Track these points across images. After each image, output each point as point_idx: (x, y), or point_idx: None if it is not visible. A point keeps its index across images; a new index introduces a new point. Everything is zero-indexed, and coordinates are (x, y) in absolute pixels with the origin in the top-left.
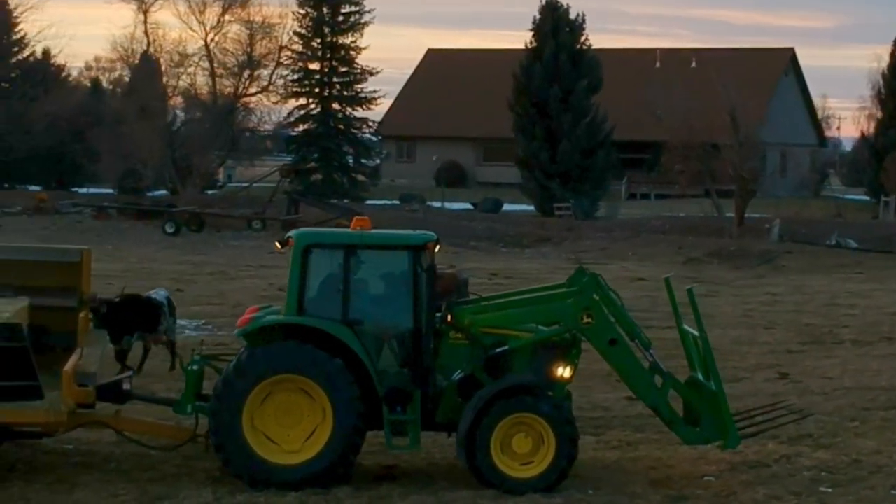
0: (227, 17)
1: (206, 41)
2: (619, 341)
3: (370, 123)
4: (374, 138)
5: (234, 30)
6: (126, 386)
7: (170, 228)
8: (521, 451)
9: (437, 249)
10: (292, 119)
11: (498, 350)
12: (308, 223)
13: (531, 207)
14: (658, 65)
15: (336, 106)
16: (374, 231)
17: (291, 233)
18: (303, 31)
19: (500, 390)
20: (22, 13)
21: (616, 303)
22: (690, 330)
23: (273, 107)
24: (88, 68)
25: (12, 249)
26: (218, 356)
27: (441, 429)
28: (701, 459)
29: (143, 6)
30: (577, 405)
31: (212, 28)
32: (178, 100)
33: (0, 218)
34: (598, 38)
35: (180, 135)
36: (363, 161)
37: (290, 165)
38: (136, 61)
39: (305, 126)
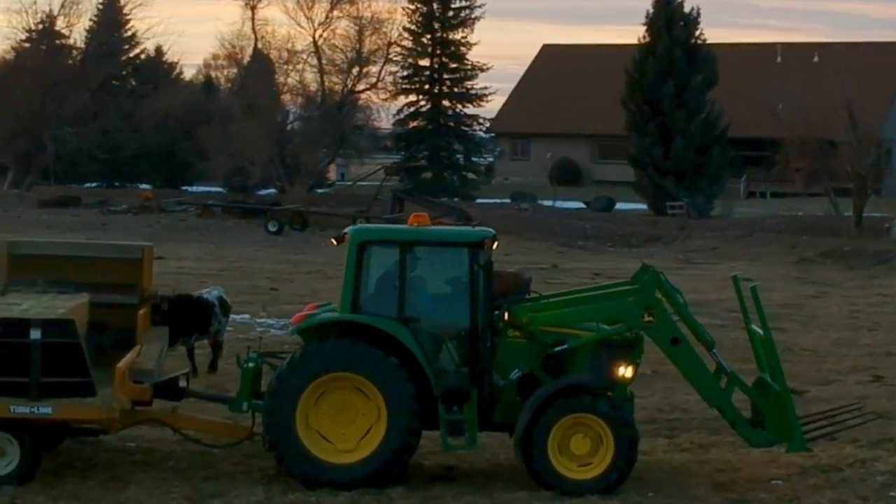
0: (335, 13)
1: (314, 38)
2: (681, 340)
3: (481, 121)
4: (486, 135)
5: (343, 26)
6: (182, 383)
7: (273, 227)
8: (580, 452)
9: (495, 246)
10: (402, 116)
11: (557, 349)
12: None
13: (645, 206)
14: (779, 59)
15: (446, 103)
16: (430, 227)
17: (347, 229)
18: (412, 27)
19: (558, 390)
20: (131, 10)
21: (679, 301)
22: (758, 330)
23: (382, 104)
24: (207, 66)
25: (75, 245)
26: (275, 353)
27: (498, 428)
28: (772, 463)
29: (250, 3)
30: (656, 407)
31: (320, 24)
32: (286, 97)
33: (105, 216)
34: (727, 33)
35: (288, 133)
36: (474, 159)
37: (398, 163)
38: (245, 59)
39: (415, 123)
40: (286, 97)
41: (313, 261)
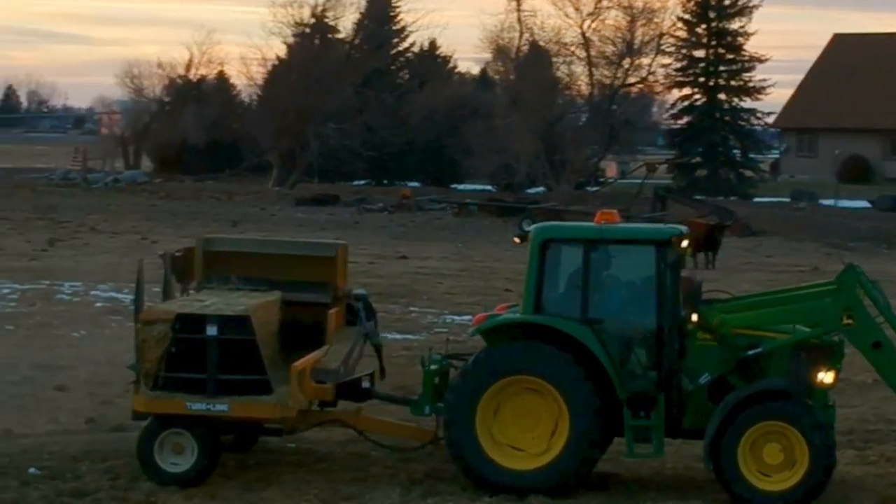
0: (604, 2)
1: (581, 29)
2: (883, 344)
3: (759, 115)
4: (766, 130)
5: (613, 16)
6: (366, 384)
7: (527, 227)
8: (773, 461)
9: (684, 245)
10: (675, 111)
11: (750, 352)
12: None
13: None
14: None
15: (722, 96)
16: (616, 225)
17: (530, 227)
18: (687, 17)
19: (751, 395)
20: (398, 0)
21: (880, 302)
22: None
23: (654, 98)
24: (495, 58)
25: (269, 243)
26: (459, 355)
27: (687, 435)
28: None
29: None
30: (861, 417)
31: (588, 15)
32: (555, 91)
33: (360, 215)
34: None
35: (557, 128)
36: (752, 156)
37: (671, 160)
38: (514, 52)
39: (689, 118)
40: (554, 91)
41: None
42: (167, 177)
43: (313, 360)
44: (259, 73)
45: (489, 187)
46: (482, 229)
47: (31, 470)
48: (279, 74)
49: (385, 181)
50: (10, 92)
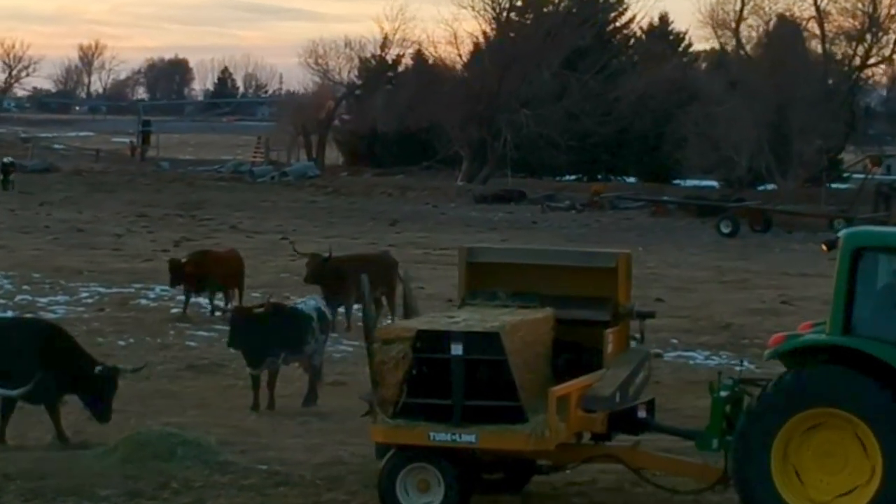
0: None
1: (815, 1)
2: None
3: None
4: None
5: None
6: (642, 414)
7: (726, 228)
8: None
9: None
10: None
11: None
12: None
13: None
14: None
15: None
16: None
17: (841, 232)
18: None
19: None
20: None
21: None
22: None
23: None
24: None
25: (539, 252)
26: (755, 380)
27: None
28: None
29: None
30: None
31: None
32: (783, 74)
33: (542, 214)
34: None
35: (783, 116)
36: None
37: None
38: (733, 26)
39: None
40: (781, 72)
41: (747, 269)
42: (354, 170)
43: (579, 385)
44: (449, 52)
45: (714, 183)
46: (675, 231)
47: None
48: (470, 54)
49: (599, 176)
50: (226, 75)
